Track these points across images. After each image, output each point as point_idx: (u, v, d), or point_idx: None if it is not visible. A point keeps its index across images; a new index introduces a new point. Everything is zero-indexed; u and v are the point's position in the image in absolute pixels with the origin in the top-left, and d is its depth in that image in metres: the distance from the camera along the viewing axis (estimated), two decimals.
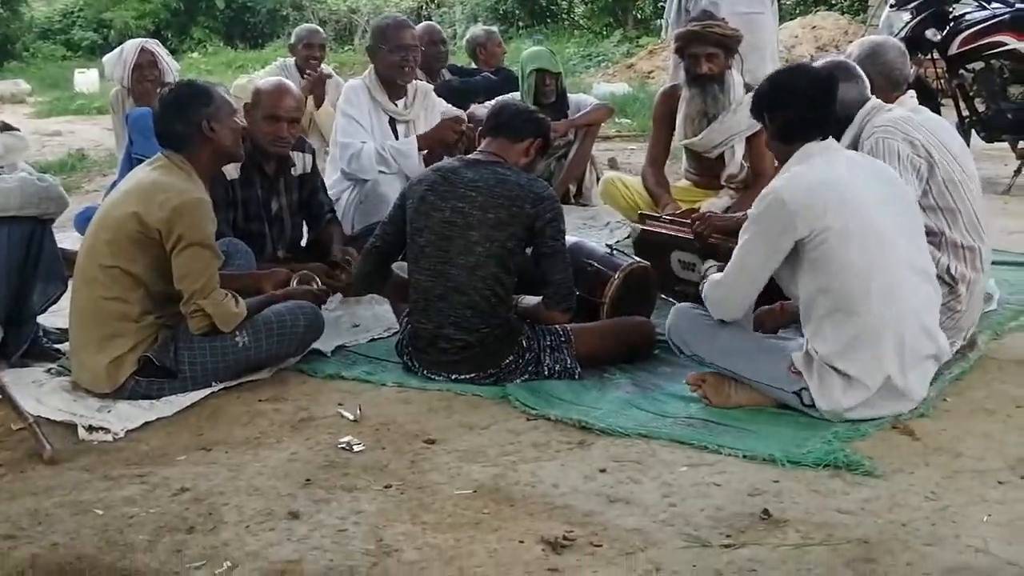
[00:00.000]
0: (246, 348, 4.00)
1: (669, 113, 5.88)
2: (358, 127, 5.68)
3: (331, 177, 5.63)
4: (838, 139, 3.75)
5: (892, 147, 3.97)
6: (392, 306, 4.64)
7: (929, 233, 3.97)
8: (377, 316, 4.92)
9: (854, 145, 4.09)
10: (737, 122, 5.57)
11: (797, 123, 3.64)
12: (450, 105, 6.33)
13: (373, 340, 4.62)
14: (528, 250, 4.03)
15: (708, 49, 5.50)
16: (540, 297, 4.10)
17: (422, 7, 28.14)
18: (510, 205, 3.92)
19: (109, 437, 3.62)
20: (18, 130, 4.87)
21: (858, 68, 4.21)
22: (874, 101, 4.14)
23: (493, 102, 5.13)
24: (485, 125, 4.17)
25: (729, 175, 5.68)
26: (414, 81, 5.94)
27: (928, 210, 4.00)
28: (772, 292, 3.78)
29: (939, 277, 3.91)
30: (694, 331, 3.80)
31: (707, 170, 5.84)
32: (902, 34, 7.91)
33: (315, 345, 4.31)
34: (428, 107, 5.99)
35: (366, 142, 5.62)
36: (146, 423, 3.73)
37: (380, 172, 5.61)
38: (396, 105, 5.84)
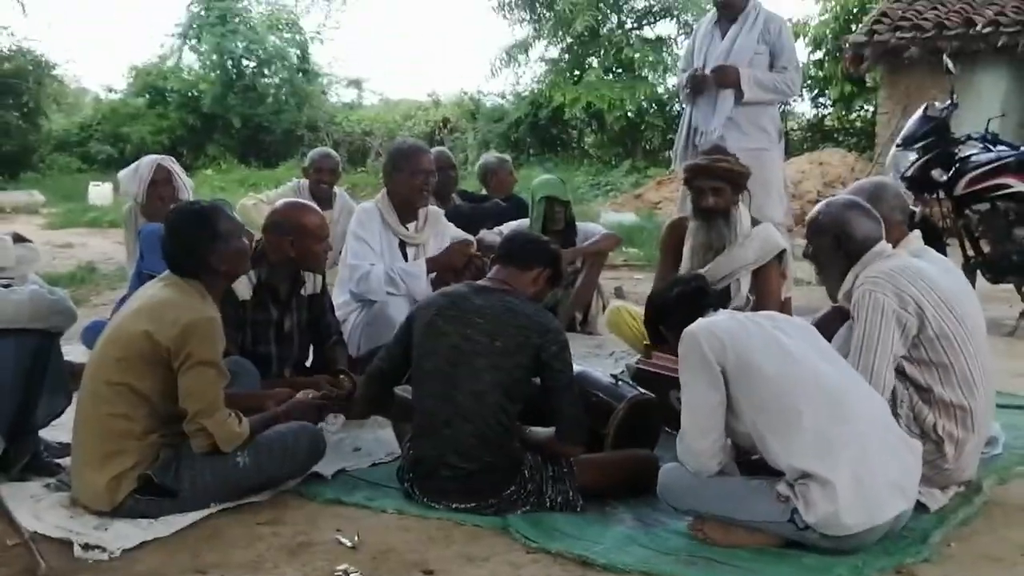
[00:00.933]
0: (247, 468, 3.98)
1: (676, 244, 5.91)
2: (368, 249, 5.75)
3: (339, 298, 5.67)
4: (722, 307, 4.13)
5: (878, 301, 3.96)
6: (395, 429, 4.63)
7: (919, 389, 3.99)
8: (379, 440, 4.90)
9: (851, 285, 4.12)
10: (743, 255, 5.61)
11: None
12: (460, 230, 6.40)
13: (375, 464, 4.59)
14: (536, 380, 4.04)
15: (714, 183, 5.54)
16: (551, 428, 4.10)
17: (435, 132, 28.67)
18: (516, 334, 3.94)
19: (105, 556, 3.57)
20: (31, 242, 4.93)
21: (874, 210, 4.24)
22: (881, 246, 4.16)
23: (503, 228, 5.20)
24: (497, 252, 4.21)
25: (735, 308, 5.68)
26: (426, 205, 6.02)
27: (920, 364, 4.01)
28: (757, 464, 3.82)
29: (925, 434, 3.93)
30: (682, 487, 3.80)
31: None
32: (908, 173, 8.03)
33: (316, 468, 4.29)
34: (438, 231, 6.07)
35: (375, 264, 5.68)
36: (143, 543, 3.69)
37: (388, 294, 5.66)
38: (407, 228, 5.91)
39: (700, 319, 3.79)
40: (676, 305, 4.04)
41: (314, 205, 5.22)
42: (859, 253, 4.12)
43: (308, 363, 5.28)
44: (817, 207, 4.33)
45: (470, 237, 6.28)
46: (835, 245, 4.18)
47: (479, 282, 4.19)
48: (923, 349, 4.00)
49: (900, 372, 3.98)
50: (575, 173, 23.22)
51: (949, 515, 3.85)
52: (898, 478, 3.57)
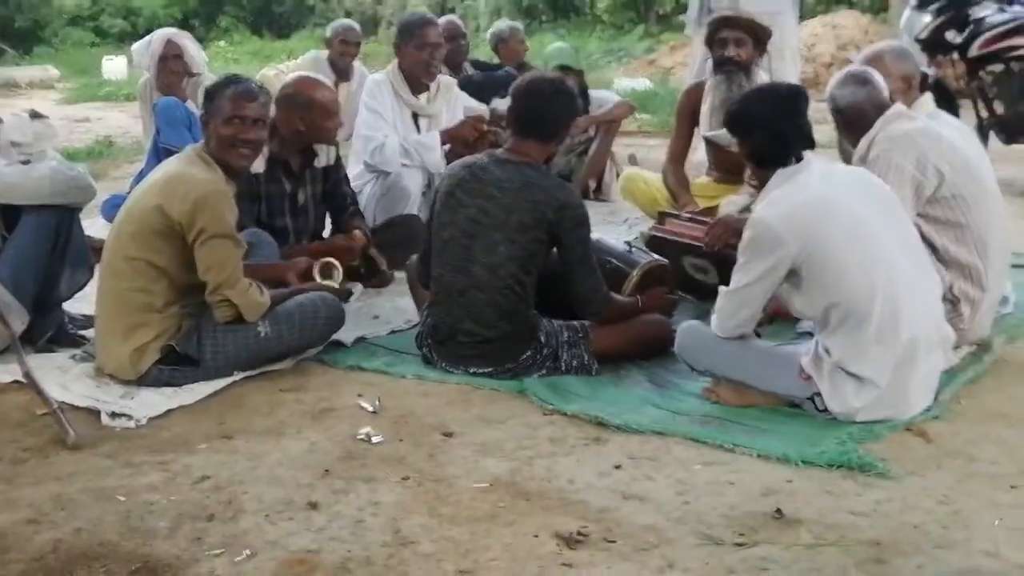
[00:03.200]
0: (268, 338, 4.01)
1: (692, 109, 5.84)
2: (381, 121, 5.71)
3: (353, 170, 5.65)
4: (813, 147, 3.70)
5: (894, 162, 3.95)
6: (413, 296, 4.64)
7: (932, 248, 3.97)
8: (397, 308, 4.93)
9: (867, 148, 4.08)
10: None
11: (767, 150, 3.65)
12: (475, 101, 6.34)
13: (393, 332, 4.63)
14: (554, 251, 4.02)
15: (737, 34, 5.48)
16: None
17: (445, 0, 28.16)
18: (533, 209, 3.91)
19: (132, 424, 3.63)
20: (47, 118, 4.90)
21: (874, 74, 4.18)
22: (896, 108, 4.11)
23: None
24: (515, 124, 4.12)
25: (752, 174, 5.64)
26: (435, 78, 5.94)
27: (935, 223, 4.00)
28: None
29: (941, 295, 3.91)
30: (702, 347, 3.80)
31: (730, 166, 5.78)
32: (922, 35, 7.89)
33: (336, 336, 4.32)
34: (451, 101, 6.01)
35: (389, 135, 5.64)
36: (168, 411, 3.74)
37: (403, 165, 5.64)
38: (419, 100, 5.86)
39: (787, 198, 3.56)
40: (773, 110, 3.66)
41: (325, 80, 5.16)
42: (864, 121, 4.11)
43: (325, 234, 5.28)
44: (829, 91, 4.30)
45: (484, 108, 6.22)
46: (838, 119, 4.24)
47: (500, 152, 4.13)
48: (939, 208, 3.99)
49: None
50: (588, 40, 22.85)
51: (959, 373, 3.86)
52: (925, 379, 3.58)
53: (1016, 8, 7.84)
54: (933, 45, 7.89)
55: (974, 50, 7.80)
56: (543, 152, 4.10)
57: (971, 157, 4.08)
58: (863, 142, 4.10)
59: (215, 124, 3.97)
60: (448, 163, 5.65)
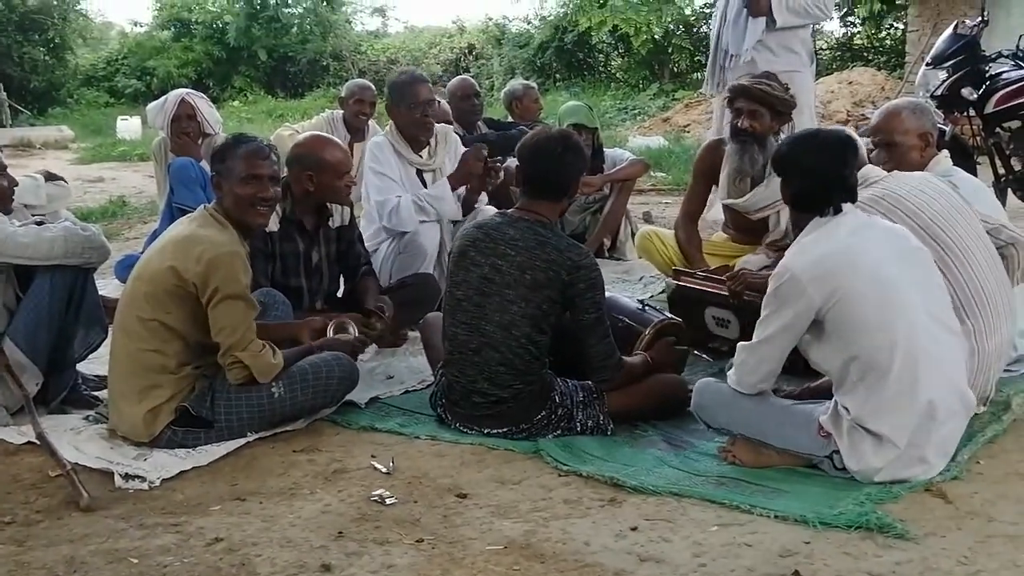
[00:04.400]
0: (281, 399, 4.04)
1: (711, 167, 5.81)
2: (390, 182, 5.75)
3: (367, 230, 5.69)
4: (854, 199, 3.70)
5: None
6: (427, 356, 4.66)
7: None
8: (411, 368, 4.95)
9: None
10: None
11: (808, 196, 3.67)
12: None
13: (407, 392, 4.65)
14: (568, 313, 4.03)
15: (751, 105, 5.41)
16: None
17: (460, 59, 28.50)
18: (547, 268, 3.93)
19: (145, 486, 3.65)
20: (62, 179, 4.97)
21: (853, 134, 4.18)
22: (865, 171, 4.10)
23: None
24: (526, 183, 4.15)
25: (772, 242, 5.61)
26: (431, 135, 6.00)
27: None
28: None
29: None
30: (719, 404, 3.80)
31: (748, 230, 5.80)
32: (938, 91, 7.94)
33: (349, 396, 4.34)
34: (450, 150, 6.07)
35: (401, 196, 5.69)
36: (181, 472, 3.76)
37: (420, 222, 5.68)
38: (421, 156, 5.91)
39: (814, 246, 3.58)
40: (819, 157, 3.66)
41: (336, 139, 5.21)
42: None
43: (339, 295, 5.32)
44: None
45: (478, 145, 6.28)
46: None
47: (512, 211, 4.16)
48: None
49: None
50: (602, 97, 23.04)
51: (977, 433, 3.85)
52: (945, 442, 3.57)
53: None
54: (949, 101, 7.92)
55: (990, 106, 7.83)
56: (554, 210, 4.14)
57: (947, 218, 4.03)
58: None
59: (230, 184, 4.02)
60: (465, 208, 5.74)
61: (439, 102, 7.04)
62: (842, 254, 3.53)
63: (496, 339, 3.97)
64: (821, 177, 3.62)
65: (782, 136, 5.54)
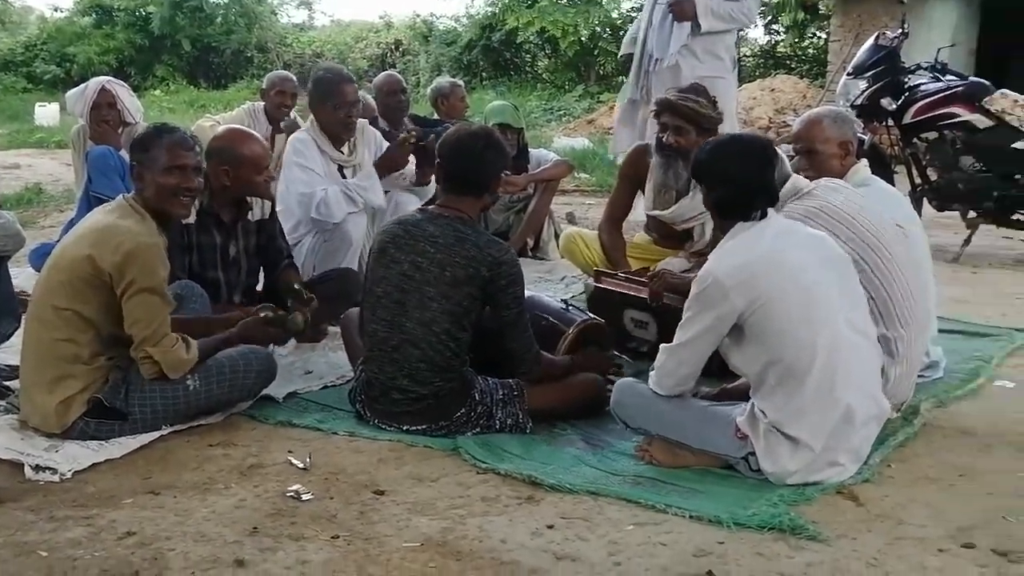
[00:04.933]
0: (197, 392, 3.99)
1: (636, 173, 5.79)
2: (315, 175, 5.73)
3: (285, 224, 5.64)
4: (775, 204, 3.75)
5: None
6: (347, 352, 4.64)
7: None
8: (331, 363, 4.92)
9: None
10: None
11: (731, 202, 3.67)
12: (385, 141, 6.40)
13: (326, 387, 4.62)
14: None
15: (677, 121, 5.39)
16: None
17: (386, 55, 28.42)
18: (467, 265, 3.92)
19: (56, 477, 3.59)
20: None
21: (778, 149, 4.22)
22: (793, 183, 4.12)
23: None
24: (446, 179, 4.15)
25: (694, 252, 5.64)
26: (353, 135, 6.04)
27: None
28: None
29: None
30: (638, 405, 3.82)
31: (671, 236, 5.83)
32: (858, 101, 8.08)
33: (267, 391, 4.31)
34: (368, 143, 6.10)
35: (328, 187, 5.66)
36: (94, 464, 3.70)
37: (348, 213, 5.67)
38: (342, 153, 5.91)
39: (737, 251, 3.58)
40: (742, 163, 3.67)
41: (254, 133, 5.12)
42: None
43: (259, 288, 5.27)
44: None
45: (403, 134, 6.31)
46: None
47: (433, 208, 4.16)
48: None
49: None
50: (528, 98, 23.12)
51: (889, 437, 3.92)
52: (859, 446, 3.63)
53: (949, 77, 8.06)
54: (869, 111, 8.07)
55: (908, 117, 8.00)
56: (475, 206, 4.13)
57: (878, 229, 4.06)
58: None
59: (153, 174, 3.96)
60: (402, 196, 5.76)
61: (364, 97, 7.04)
62: (765, 260, 3.55)
63: (416, 336, 3.96)
64: (743, 182, 3.63)
65: None
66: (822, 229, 3.93)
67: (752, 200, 3.64)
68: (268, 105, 7.89)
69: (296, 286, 4.80)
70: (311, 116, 5.99)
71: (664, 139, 5.44)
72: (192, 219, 4.79)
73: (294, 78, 8.32)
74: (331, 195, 5.64)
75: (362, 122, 6.17)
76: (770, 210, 3.67)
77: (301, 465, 3.71)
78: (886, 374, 4.00)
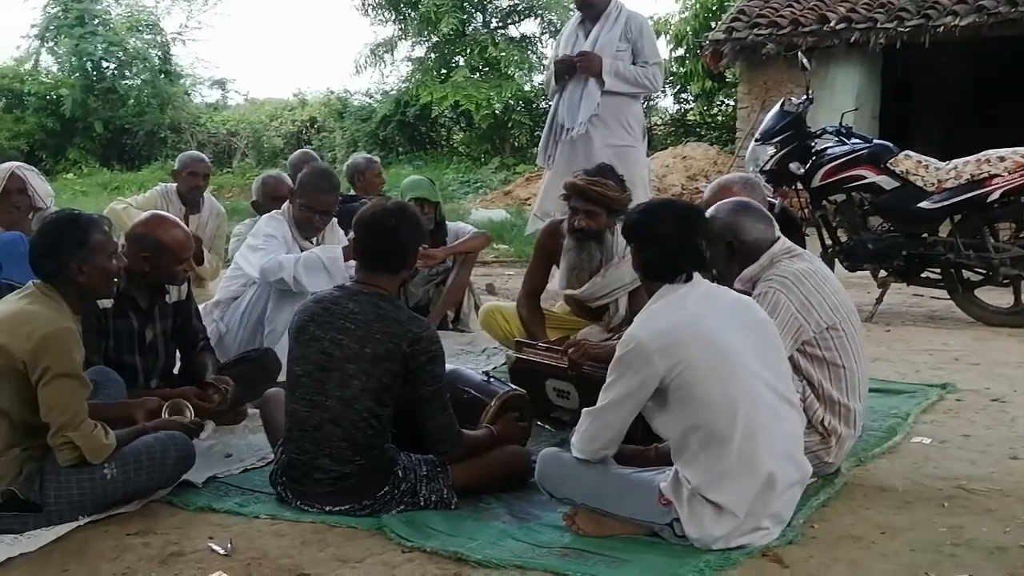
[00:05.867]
0: (114, 480, 3.90)
1: (551, 248, 5.83)
2: (277, 241, 5.83)
3: (231, 284, 5.70)
4: (702, 269, 3.79)
5: (779, 301, 4.04)
6: (267, 433, 4.58)
7: (811, 384, 4.09)
8: (251, 445, 4.85)
9: (754, 282, 4.18)
10: (620, 276, 5.53)
11: (658, 264, 3.73)
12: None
13: (246, 470, 4.54)
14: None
15: (587, 206, 5.43)
16: None
17: (302, 132, 28.44)
18: (387, 341, 3.90)
19: None
20: None
21: (764, 208, 4.30)
22: (782, 244, 4.21)
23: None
24: (363, 257, 4.13)
25: (613, 327, 5.67)
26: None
27: (814, 360, 4.11)
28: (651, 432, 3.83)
29: (812, 426, 4.03)
30: (562, 474, 3.81)
31: (588, 312, 5.86)
32: (767, 166, 8.23)
33: (186, 476, 4.22)
34: (335, 241, 6.09)
35: (300, 256, 5.75)
36: (9, 559, 3.59)
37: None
38: (311, 244, 5.96)
39: (662, 315, 3.62)
40: (669, 227, 3.71)
41: (178, 221, 5.08)
42: (755, 255, 4.19)
43: (176, 371, 5.19)
44: (708, 214, 4.31)
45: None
46: (729, 252, 4.22)
47: (351, 285, 4.14)
48: (818, 348, 4.11)
49: (795, 366, 4.06)
50: (445, 171, 23.25)
51: (811, 497, 3.95)
52: (782, 510, 3.64)
53: (854, 140, 8.24)
54: (778, 176, 8.22)
55: (816, 180, 8.16)
56: (393, 282, 4.12)
57: (845, 298, 4.18)
58: (747, 273, 4.19)
59: (101, 260, 3.95)
60: None
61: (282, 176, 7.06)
62: (689, 324, 3.57)
63: (337, 414, 3.91)
64: (672, 245, 3.68)
65: (618, 227, 5.60)
66: (813, 292, 4.03)
67: (678, 262, 3.69)
68: (181, 186, 7.83)
69: (210, 376, 4.80)
70: (287, 203, 6.15)
71: (575, 223, 5.47)
72: (109, 304, 4.71)
73: (206, 158, 8.28)
74: (308, 257, 5.74)
75: (332, 220, 6.22)
76: (695, 274, 3.71)
77: (222, 551, 3.64)
78: (840, 444, 4.07)
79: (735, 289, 4.12)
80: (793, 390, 3.82)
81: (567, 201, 5.57)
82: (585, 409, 3.75)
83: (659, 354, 3.51)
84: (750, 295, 4.07)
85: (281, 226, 5.97)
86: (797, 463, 3.69)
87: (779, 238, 4.24)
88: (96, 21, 28.65)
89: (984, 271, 7.81)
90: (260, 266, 5.78)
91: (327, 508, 3.96)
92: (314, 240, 6.03)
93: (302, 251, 5.89)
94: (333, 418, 3.92)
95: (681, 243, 3.70)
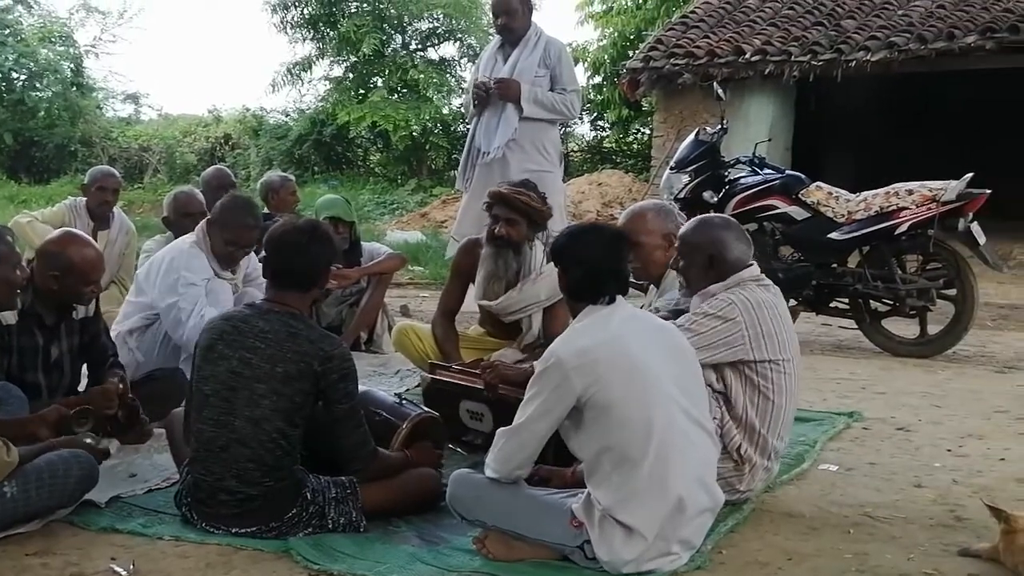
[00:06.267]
0: (14, 499, 3.80)
1: (469, 266, 5.90)
2: (199, 292, 5.61)
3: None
4: (625, 292, 3.81)
5: (732, 313, 4.09)
6: (173, 453, 4.50)
7: (731, 407, 4.13)
8: (156, 465, 4.77)
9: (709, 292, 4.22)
10: (535, 293, 5.62)
11: (582, 285, 3.76)
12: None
13: (151, 491, 4.45)
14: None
15: (510, 214, 5.53)
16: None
17: (216, 148, 28.18)
18: (298, 360, 3.86)
19: None
20: None
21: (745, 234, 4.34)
22: (752, 271, 4.25)
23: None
24: (274, 275, 4.08)
25: (526, 345, 5.72)
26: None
27: (743, 380, 4.14)
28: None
29: (727, 452, 4.06)
30: (473, 496, 3.79)
31: (502, 330, 5.88)
32: (681, 194, 8.31)
33: (88, 496, 4.13)
34: (250, 265, 5.97)
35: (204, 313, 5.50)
36: None
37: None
38: (232, 273, 5.83)
39: (582, 334, 3.64)
40: (595, 250, 3.76)
41: (92, 241, 4.97)
42: (728, 273, 4.23)
43: (82, 388, 5.08)
44: (693, 223, 4.39)
45: None
46: (707, 264, 4.25)
47: (260, 303, 4.09)
48: (755, 373, 4.14)
49: (720, 377, 4.12)
50: (361, 191, 23.19)
51: (720, 523, 3.97)
52: (691, 535, 3.65)
53: (767, 171, 8.36)
54: (692, 203, 8.27)
55: (729, 209, 8.21)
56: (304, 301, 4.08)
57: (794, 346, 4.24)
58: (712, 288, 4.21)
59: (2, 270, 3.94)
60: None
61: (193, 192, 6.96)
62: (608, 345, 3.60)
63: (245, 435, 3.86)
64: (597, 267, 3.73)
65: (538, 244, 5.66)
66: (768, 322, 4.11)
67: (602, 284, 3.72)
68: (90, 201, 7.71)
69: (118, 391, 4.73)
70: (202, 229, 5.81)
71: (496, 230, 5.53)
72: (13, 320, 4.60)
73: (117, 173, 8.17)
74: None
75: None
76: (619, 297, 3.75)
77: (124, 573, 3.56)
78: (753, 472, 4.13)
79: (691, 302, 4.24)
80: (709, 418, 3.84)
81: (488, 210, 5.60)
82: (500, 429, 3.75)
83: (577, 371, 3.53)
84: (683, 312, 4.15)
85: (200, 262, 5.66)
86: (709, 490, 3.71)
87: (752, 264, 4.29)
88: (7, 31, 28.13)
89: (891, 302, 7.94)
90: (186, 336, 5.51)
91: (233, 530, 3.89)
92: (229, 273, 5.86)
93: (221, 283, 5.73)
94: (241, 439, 3.86)
95: (607, 265, 3.74)
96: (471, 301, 6.15)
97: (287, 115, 28.36)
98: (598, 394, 3.52)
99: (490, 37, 9.29)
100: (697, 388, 3.81)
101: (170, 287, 5.63)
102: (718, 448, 3.90)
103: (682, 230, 4.42)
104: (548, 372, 3.59)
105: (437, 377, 5.15)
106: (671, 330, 3.90)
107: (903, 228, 7.66)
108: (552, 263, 3.95)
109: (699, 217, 4.49)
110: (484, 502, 3.76)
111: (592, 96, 23.37)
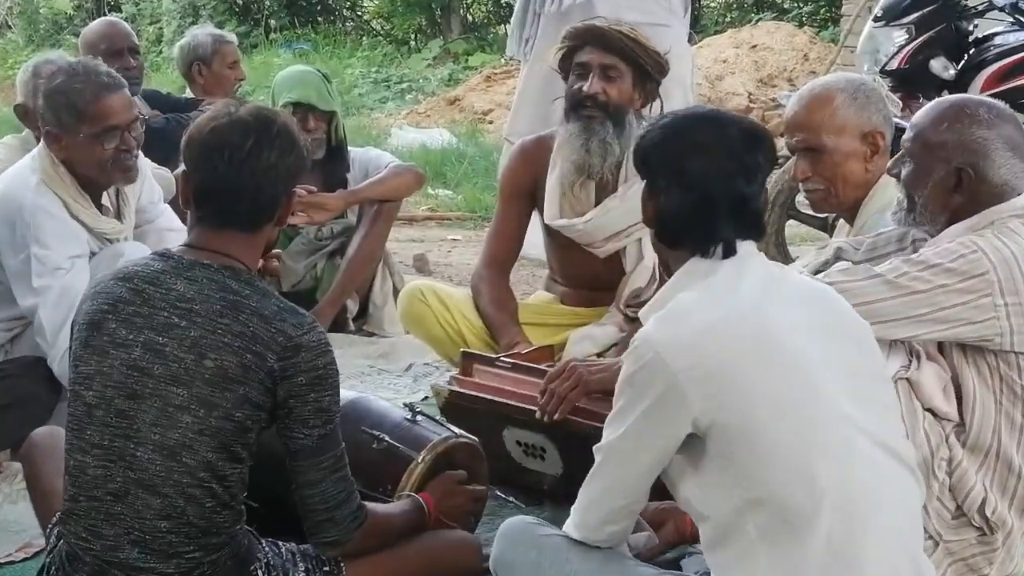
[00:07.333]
0: None
1: (529, 181, 5.84)
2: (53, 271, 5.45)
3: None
4: (760, 236, 3.71)
5: (979, 264, 3.96)
6: (35, 506, 4.53)
7: (965, 434, 4.04)
8: (5, 523, 4.85)
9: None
10: None
11: (685, 218, 3.63)
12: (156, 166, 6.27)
13: (1, 565, 4.52)
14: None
15: (609, 58, 5.48)
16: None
17: None
18: (243, 349, 3.80)
19: None
20: None
21: None
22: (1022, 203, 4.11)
23: None
24: (201, 204, 4.00)
25: (633, 291, 5.63)
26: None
27: (996, 388, 4.05)
28: None
29: (961, 512, 3.98)
30: (535, 563, 3.78)
31: (589, 280, 5.83)
32: (894, 64, 8.22)
33: None
34: (145, 191, 5.86)
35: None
36: None
37: None
38: (106, 217, 5.61)
39: (691, 314, 3.50)
40: (713, 153, 3.61)
41: None
42: (985, 203, 4.08)
43: None
44: (937, 108, 4.23)
45: (169, 176, 6.18)
46: (954, 182, 4.10)
47: (179, 248, 4.00)
48: (1017, 372, 4.02)
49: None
50: (347, 61, 23.22)
51: None
52: None
53: None
54: (911, 80, 8.20)
55: (976, 89, 8.13)
56: (252, 247, 4.01)
57: None
58: (963, 225, 4.08)
59: None
60: None
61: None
62: (739, 331, 3.48)
63: (155, 473, 3.84)
64: (709, 189, 3.58)
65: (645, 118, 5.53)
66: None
67: (716, 222, 3.58)
68: None
69: None
70: (42, 151, 5.51)
71: (586, 88, 5.44)
72: None
73: None
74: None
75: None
76: (747, 245, 3.63)
77: None
78: (1009, 545, 4.05)
79: (918, 246, 4.15)
80: (902, 435, 3.73)
81: (569, 60, 5.54)
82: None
83: (688, 375, 3.42)
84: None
85: (57, 223, 5.35)
86: (914, 560, 3.61)
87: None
88: None
89: None
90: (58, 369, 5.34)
91: None
92: (108, 204, 5.62)
93: (96, 237, 5.53)
94: (147, 480, 3.84)
95: (725, 187, 3.59)
96: (534, 242, 6.12)
97: None
98: (730, 413, 3.43)
99: None
100: (880, 391, 3.68)
101: (20, 274, 5.43)
102: (923, 494, 3.80)
103: (917, 116, 4.24)
104: (644, 374, 3.49)
105: (458, 390, 5.02)
106: (832, 299, 3.74)
107: None
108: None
109: (950, 99, 4.34)
110: (548, 568, 3.75)
111: None
